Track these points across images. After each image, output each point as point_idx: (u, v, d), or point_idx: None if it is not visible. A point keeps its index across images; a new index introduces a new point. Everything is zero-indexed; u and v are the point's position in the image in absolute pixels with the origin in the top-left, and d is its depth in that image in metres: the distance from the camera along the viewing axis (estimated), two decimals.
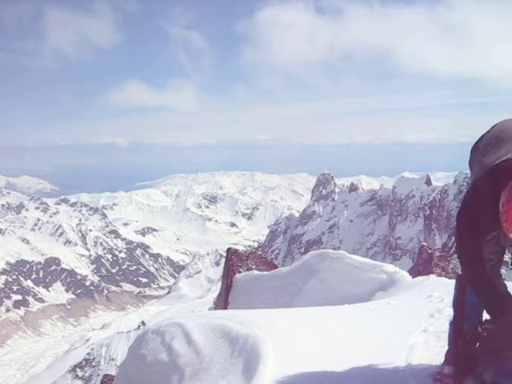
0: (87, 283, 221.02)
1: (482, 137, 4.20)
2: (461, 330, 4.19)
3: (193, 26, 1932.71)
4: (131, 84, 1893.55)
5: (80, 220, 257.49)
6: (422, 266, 14.36)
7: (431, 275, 9.71)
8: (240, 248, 16.72)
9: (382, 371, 4.64)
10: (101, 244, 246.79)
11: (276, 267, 14.73)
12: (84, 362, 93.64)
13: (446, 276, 10.77)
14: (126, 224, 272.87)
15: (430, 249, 14.88)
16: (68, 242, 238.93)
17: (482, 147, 4.06)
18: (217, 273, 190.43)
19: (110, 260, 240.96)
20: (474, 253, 3.74)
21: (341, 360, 5.00)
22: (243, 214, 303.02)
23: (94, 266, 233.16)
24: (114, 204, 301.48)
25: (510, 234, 3.41)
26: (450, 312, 4.96)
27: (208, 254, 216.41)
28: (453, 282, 6.81)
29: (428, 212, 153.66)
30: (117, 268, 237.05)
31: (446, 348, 4.42)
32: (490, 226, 3.58)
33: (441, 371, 4.29)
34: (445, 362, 4.37)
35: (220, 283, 18.52)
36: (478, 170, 3.90)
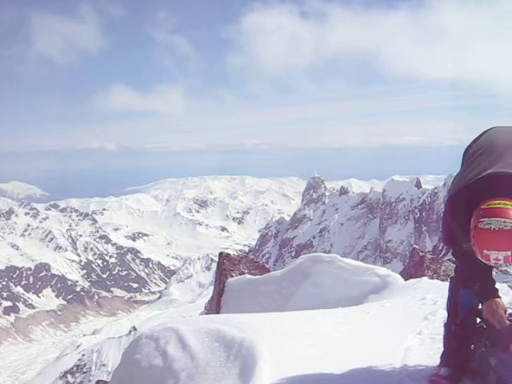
0: (78, 289, 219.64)
1: (472, 143, 4.18)
2: (454, 331, 4.23)
3: (178, 31, 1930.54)
4: (118, 89, 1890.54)
5: (70, 225, 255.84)
6: (414, 268, 14.36)
7: (423, 278, 9.73)
8: (231, 252, 16.69)
9: (379, 373, 4.66)
10: (91, 249, 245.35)
11: (268, 271, 14.72)
12: (75, 368, 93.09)
13: (438, 278, 10.80)
14: (116, 229, 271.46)
15: (422, 251, 14.90)
16: (58, 247, 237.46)
17: (469, 155, 4.04)
18: (208, 277, 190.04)
19: (101, 265, 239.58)
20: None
21: (337, 363, 5.01)
22: (234, 218, 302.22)
23: (85, 271, 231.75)
24: (104, 209, 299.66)
25: (479, 256, 3.43)
26: (444, 314, 4.99)
27: (199, 259, 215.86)
28: (445, 284, 6.84)
29: (418, 215, 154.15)
30: (107, 273, 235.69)
31: (442, 350, 4.46)
32: (466, 240, 3.60)
33: (437, 373, 4.32)
34: (440, 363, 4.40)
35: (211, 288, 18.53)
36: (458, 180, 3.90)
